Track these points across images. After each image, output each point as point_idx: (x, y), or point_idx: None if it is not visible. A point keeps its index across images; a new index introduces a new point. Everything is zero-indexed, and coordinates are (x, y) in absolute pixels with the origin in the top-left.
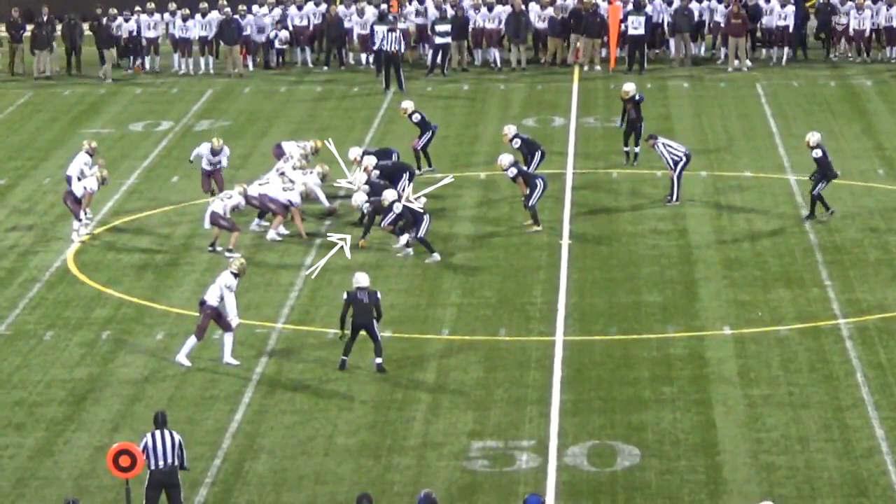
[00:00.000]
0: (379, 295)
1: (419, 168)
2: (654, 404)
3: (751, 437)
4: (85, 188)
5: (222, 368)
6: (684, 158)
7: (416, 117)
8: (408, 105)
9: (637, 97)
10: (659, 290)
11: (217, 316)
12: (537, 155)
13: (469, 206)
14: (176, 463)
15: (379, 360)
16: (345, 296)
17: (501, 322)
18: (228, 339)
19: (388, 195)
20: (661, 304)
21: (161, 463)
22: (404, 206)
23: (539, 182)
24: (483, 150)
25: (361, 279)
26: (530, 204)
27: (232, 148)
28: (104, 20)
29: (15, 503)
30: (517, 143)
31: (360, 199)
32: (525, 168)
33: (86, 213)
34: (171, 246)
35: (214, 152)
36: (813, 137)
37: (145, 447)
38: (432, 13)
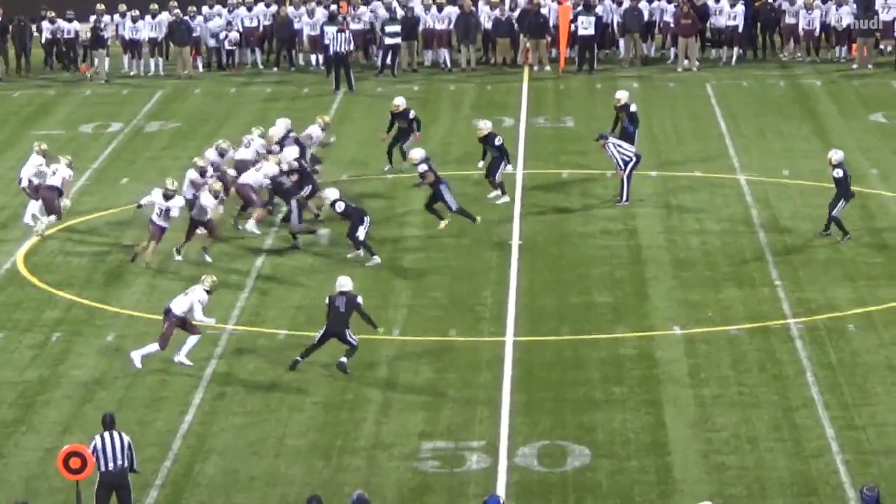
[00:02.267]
0: (360, 300)
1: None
2: (605, 404)
3: (701, 437)
4: (64, 178)
5: (173, 369)
6: (634, 159)
7: (412, 114)
8: (400, 101)
9: (630, 106)
10: (609, 291)
11: (182, 324)
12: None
13: (418, 207)
14: (126, 465)
15: (344, 359)
16: (326, 300)
17: (452, 323)
18: (192, 340)
19: (329, 194)
20: (612, 305)
21: (111, 465)
22: (347, 204)
23: (443, 185)
24: (433, 150)
25: (343, 283)
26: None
27: (183, 149)
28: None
29: None
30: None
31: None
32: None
33: (44, 213)
34: (122, 247)
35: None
36: (835, 156)
37: (94, 449)
38: (382, 14)
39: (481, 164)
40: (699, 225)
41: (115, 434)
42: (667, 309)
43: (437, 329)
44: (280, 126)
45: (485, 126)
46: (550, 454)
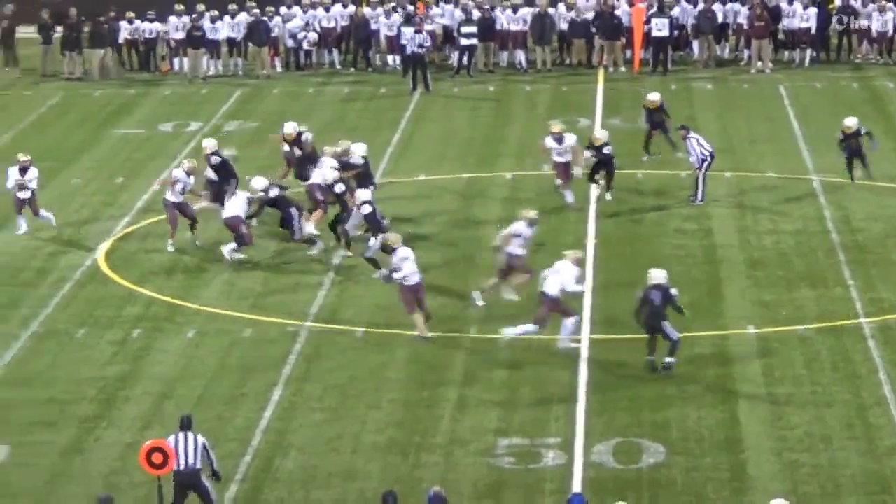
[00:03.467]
0: (674, 292)
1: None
2: (680, 402)
3: (774, 435)
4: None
5: (252, 366)
6: (709, 157)
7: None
8: (655, 97)
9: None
10: (684, 290)
11: (553, 304)
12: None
13: (496, 206)
14: (198, 465)
15: (670, 360)
16: (639, 294)
17: (527, 320)
18: (569, 322)
19: (361, 195)
20: (686, 304)
21: (182, 464)
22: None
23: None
24: (509, 150)
25: (657, 276)
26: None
27: (260, 148)
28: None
29: (47, 500)
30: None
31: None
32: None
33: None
34: (201, 245)
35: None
36: None
37: None
38: (458, 15)
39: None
40: (773, 225)
41: (190, 434)
42: (741, 308)
43: (513, 326)
44: (288, 127)
45: (602, 135)
46: (626, 451)
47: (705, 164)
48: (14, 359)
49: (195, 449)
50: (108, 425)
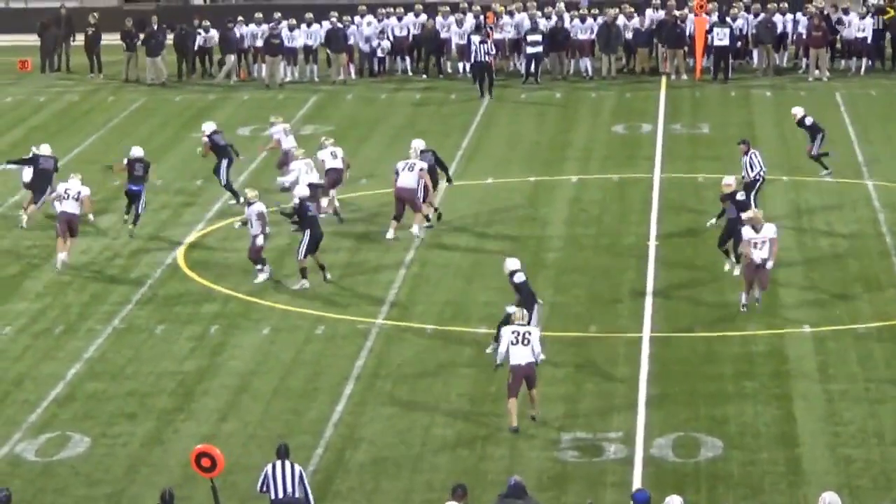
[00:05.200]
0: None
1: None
2: (737, 398)
3: (829, 431)
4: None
5: (325, 361)
6: (761, 179)
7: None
8: (798, 111)
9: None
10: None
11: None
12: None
13: (561, 208)
14: (297, 494)
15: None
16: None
17: (592, 319)
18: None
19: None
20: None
21: (281, 493)
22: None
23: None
24: (574, 155)
25: (511, 265)
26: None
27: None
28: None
29: (127, 489)
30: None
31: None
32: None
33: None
34: (276, 245)
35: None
36: None
37: (265, 477)
38: (526, 24)
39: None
40: (828, 227)
41: (287, 463)
42: (797, 308)
43: (577, 324)
44: (206, 126)
45: (730, 183)
46: (684, 445)
47: (757, 184)
48: (97, 353)
49: (292, 478)
50: (187, 417)
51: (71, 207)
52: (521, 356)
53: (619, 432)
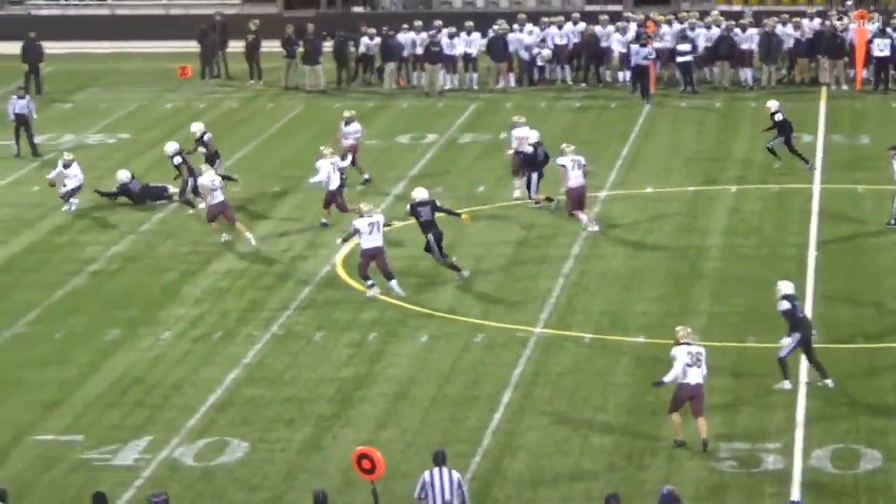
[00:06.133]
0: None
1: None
2: None
3: None
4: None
5: (483, 370)
6: None
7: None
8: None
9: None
10: None
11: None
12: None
13: (720, 218)
14: (455, 501)
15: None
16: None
17: (750, 330)
18: None
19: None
20: None
21: (439, 500)
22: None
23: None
24: (734, 164)
25: (783, 287)
26: None
27: (494, 159)
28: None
29: (285, 494)
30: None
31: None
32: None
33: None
34: (409, 253)
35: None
36: None
37: (423, 484)
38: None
39: None
40: None
41: (445, 470)
42: None
43: (735, 335)
44: (194, 127)
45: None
46: (843, 457)
47: None
48: (255, 359)
49: (451, 485)
50: (345, 424)
51: (222, 196)
52: (693, 377)
53: (777, 443)
